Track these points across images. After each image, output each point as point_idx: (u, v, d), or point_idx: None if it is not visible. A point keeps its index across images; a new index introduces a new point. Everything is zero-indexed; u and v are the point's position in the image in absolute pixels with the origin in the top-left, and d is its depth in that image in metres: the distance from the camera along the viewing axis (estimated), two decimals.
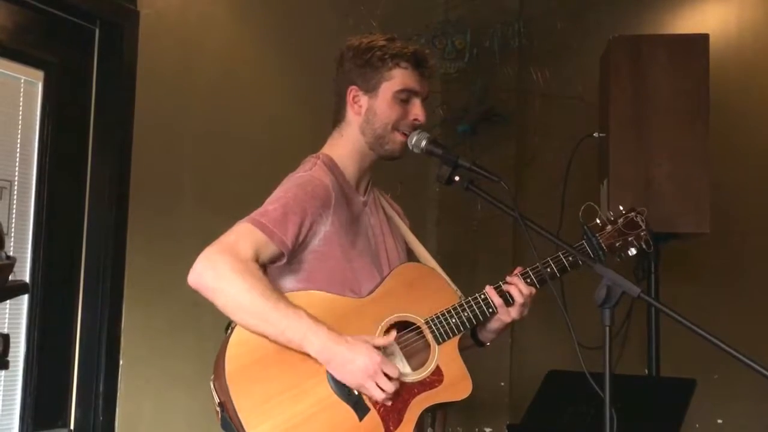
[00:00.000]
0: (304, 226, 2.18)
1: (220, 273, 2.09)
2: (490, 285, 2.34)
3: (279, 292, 2.14)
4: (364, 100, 2.33)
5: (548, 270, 2.32)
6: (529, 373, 4.43)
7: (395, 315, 2.23)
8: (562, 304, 2.22)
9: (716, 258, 4.57)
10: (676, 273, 4.26)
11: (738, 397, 4.41)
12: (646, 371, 3.96)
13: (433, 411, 2.29)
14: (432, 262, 2.44)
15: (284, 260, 2.19)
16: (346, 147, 2.36)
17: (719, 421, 4.58)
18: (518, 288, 2.31)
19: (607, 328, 1.98)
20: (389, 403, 2.13)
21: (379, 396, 2.10)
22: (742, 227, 4.61)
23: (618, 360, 3.59)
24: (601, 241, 2.36)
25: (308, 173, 2.26)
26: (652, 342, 3.91)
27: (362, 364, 2.08)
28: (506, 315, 2.33)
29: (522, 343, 4.97)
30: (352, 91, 2.33)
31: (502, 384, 4.96)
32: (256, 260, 2.12)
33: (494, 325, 2.37)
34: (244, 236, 2.13)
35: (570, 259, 2.33)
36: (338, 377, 2.11)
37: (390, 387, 2.10)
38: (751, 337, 3.79)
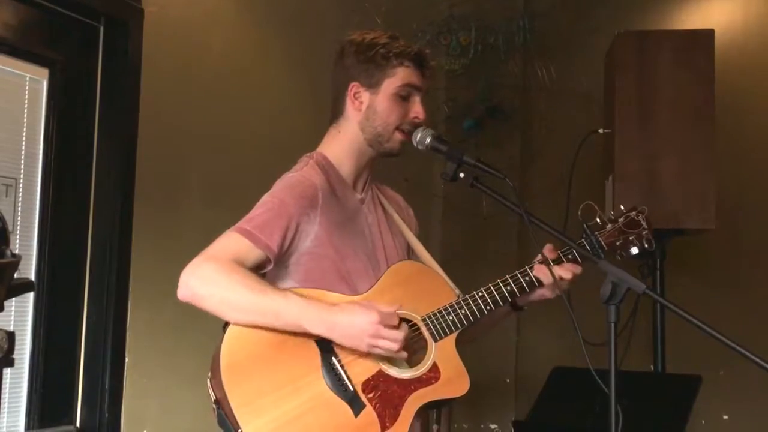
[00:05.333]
0: (290, 230, 2.19)
1: (205, 278, 2.11)
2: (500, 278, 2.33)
3: (265, 282, 2.15)
4: (365, 96, 2.32)
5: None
6: (534, 370, 4.43)
7: None
8: (567, 300, 2.21)
9: (722, 254, 4.56)
10: (682, 269, 4.25)
11: (744, 393, 4.41)
12: (652, 368, 3.96)
13: (438, 407, 2.28)
14: (430, 259, 2.43)
15: (271, 265, 2.19)
16: (343, 144, 2.35)
17: (725, 417, 4.58)
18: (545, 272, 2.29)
19: (613, 325, 1.97)
20: (404, 355, 2.13)
21: (394, 346, 2.10)
22: (747, 223, 4.60)
23: (623, 356, 3.58)
24: (601, 239, 2.35)
25: (298, 173, 2.27)
26: (658, 338, 3.91)
27: (363, 323, 2.09)
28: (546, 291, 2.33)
29: (527, 340, 4.97)
30: (354, 87, 2.32)
31: (508, 380, 4.96)
32: (240, 265, 2.13)
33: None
34: (227, 244, 2.15)
35: (569, 256, 2.33)
36: (345, 344, 2.11)
37: (399, 335, 2.10)
38: (757, 333, 3.79)
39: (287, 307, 2.09)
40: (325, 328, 2.11)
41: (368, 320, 2.09)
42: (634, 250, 2.38)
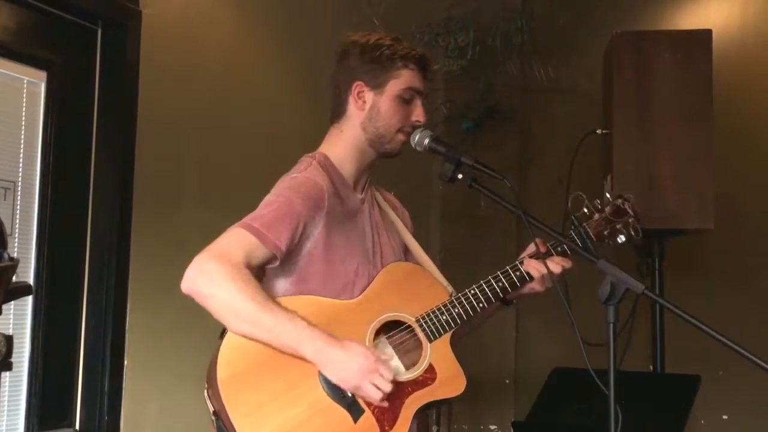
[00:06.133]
0: (297, 230, 2.18)
1: (212, 278, 2.09)
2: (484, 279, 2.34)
3: (271, 297, 2.14)
4: (369, 96, 2.32)
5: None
6: (533, 371, 4.43)
7: (386, 315, 2.22)
8: (566, 301, 2.21)
9: (720, 254, 4.56)
10: (680, 269, 4.25)
11: (743, 393, 4.41)
12: (651, 368, 3.96)
13: (437, 408, 2.28)
14: (426, 260, 2.43)
15: (277, 263, 2.19)
16: (345, 144, 2.35)
17: (724, 416, 4.58)
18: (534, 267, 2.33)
19: (611, 325, 1.97)
20: (385, 404, 2.13)
21: (377, 396, 2.09)
22: (746, 223, 4.60)
23: (623, 357, 3.58)
24: (589, 230, 2.36)
25: (302, 174, 2.26)
26: (657, 338, 3.91)
27: (358, 365, 2.08)
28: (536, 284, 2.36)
29: (527, 341, 4.97)
30: (357, 87, 2.32)
31: (507, 381, 4.96)
32: (248, 264, 2.12)
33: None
34: (235, 241, 2.13)
35: (559, 249, 2.35)
36: (334, 379, 2.10)
37: (387, 387, 2.09)
38: (756, 332, 3.79)
39: (289, 329, 2.08)
40: (319, 359, 2.10)
41: (366, 362, 2.09)
42: (622, 238, 2.39)
